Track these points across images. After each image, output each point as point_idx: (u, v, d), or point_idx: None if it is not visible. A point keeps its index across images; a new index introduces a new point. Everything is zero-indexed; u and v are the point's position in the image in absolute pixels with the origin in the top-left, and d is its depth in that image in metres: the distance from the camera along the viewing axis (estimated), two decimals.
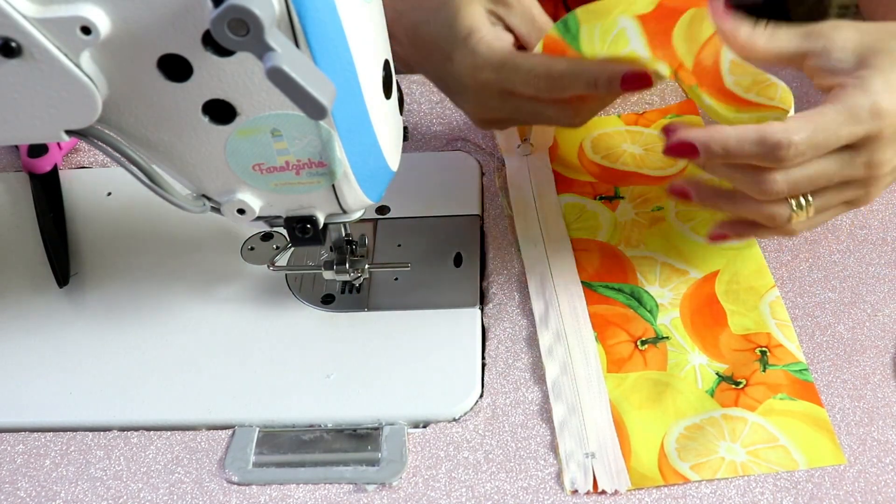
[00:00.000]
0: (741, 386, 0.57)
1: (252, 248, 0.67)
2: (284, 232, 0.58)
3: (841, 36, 0.55)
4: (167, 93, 0.48)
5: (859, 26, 0.55)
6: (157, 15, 0.44)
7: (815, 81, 0.56)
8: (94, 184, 0.74)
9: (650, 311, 0.62)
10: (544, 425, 0.57)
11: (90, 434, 0.58)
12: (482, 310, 0.63)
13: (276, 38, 0.41)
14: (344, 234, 0.62)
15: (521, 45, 0.63)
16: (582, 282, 0.64)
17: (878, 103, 0.52)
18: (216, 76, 0.47)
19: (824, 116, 0.52)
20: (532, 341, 0.61)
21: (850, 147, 0.53)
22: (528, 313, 0.62)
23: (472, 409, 0.58)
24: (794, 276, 0.64)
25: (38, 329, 0.63)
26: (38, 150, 0.74)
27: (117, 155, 0.50)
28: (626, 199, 0.69)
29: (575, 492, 0.52)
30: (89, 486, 0.55)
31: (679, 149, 0.54)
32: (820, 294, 0.63)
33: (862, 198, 0.56)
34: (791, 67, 0.56)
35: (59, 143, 0.75)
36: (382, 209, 0.70)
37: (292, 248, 0.67)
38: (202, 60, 0.46)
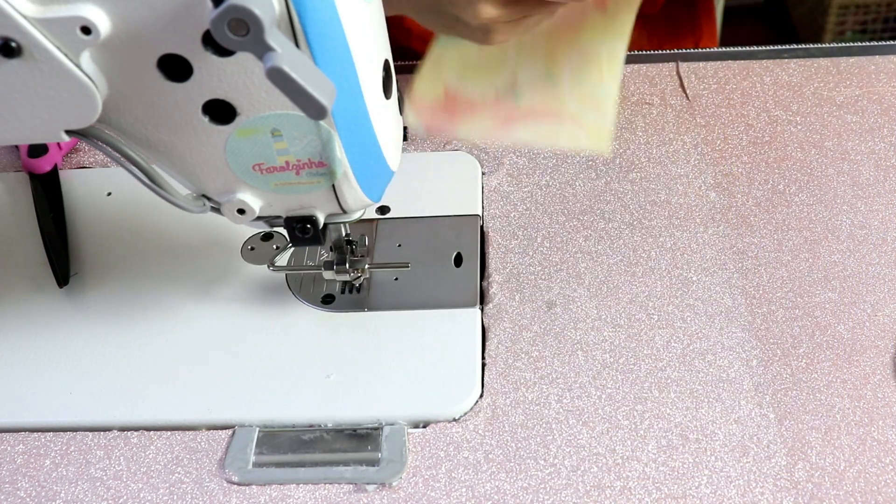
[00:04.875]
0: None
1: (252, 248, 0.67)
2: (284, 232, 0.58)
3: None
4: (167, 93, 0.48)
5: None
6: (157, 15, 0.44)
7: None
8: (94, 184, 0.74)
9: None
10: (544, 425, 0.57)
11: (90, 434, 0.58)
12: (482, 310, 0.63)
13: (276, 38, 0.41)
14: (344, 234, 0.62)
15: None
16: None
17: None
18: (216, 76, 0.47)
19: None
20: (532, 341, 0.61)
21: None
22: (528, 313, 0.62)
23: (472, 409, 0.58)
24: (793, 275, 0.64)
25: (38, 329, 0.63)
26: (38, 150, 0.74)
27: (117, 155, 0.50)
28: None
29: None
30: (89, 486, 0.55)
31: None
32: (820, 294, 0.63)
33: None
34: None
35: (59, 143, 0.75)
36: (382, 209, 0.70)
37: (292, 248, 0.67)
38: (202, 60, 0.46)
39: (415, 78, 0.65)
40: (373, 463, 0.55)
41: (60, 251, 0.68)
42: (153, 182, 0.51)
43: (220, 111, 0.49)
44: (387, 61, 0.53)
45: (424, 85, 0.66)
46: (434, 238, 0.68)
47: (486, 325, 0.62)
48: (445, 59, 0.66)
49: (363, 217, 0.58)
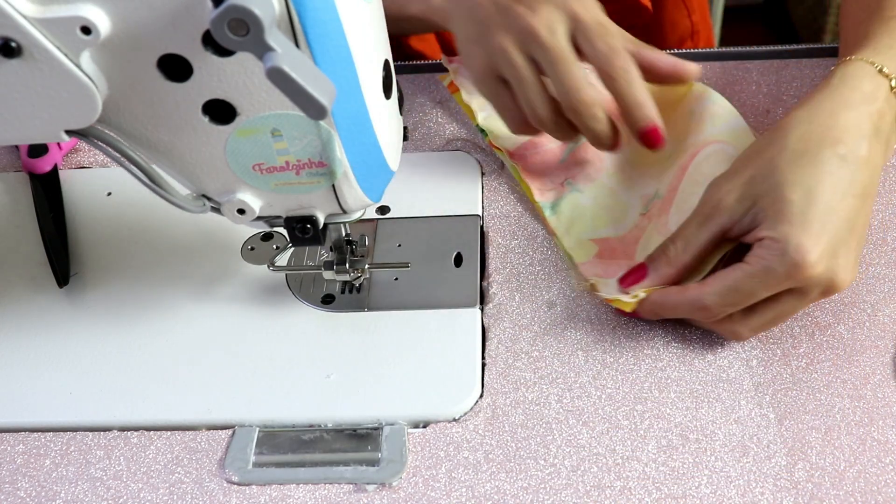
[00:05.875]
0: None
1: (252, 248, 0.67)
2: (284, 232, 0.58)
3: (731, 197, 0.57)
4: (167, 93, 0.48)
5: (739, 170, 0.58)
6: (157, 15, 0.44)
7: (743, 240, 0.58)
8: (94, 184, 0.74)
9: None
10: (544, 425, 0.57)
11: (90, 434, 0.58)
12: (482, 310, 0.63)
13: (276, 38, 0.41)
14: (344, 234, 0.62)
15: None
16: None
17: (796, 263, 0.54)
18: (216, 76, 0.47)
19: (737, 277, 0.56)
20: (532, 341, 0.61)
21: (796, 290, 0.56)
22: (528, 313, 0.62)
23: (472, 409, 0.58)
24: None
25: (38, 329, 0.63)
26: (38, 150, 0.74)
27: (117, 155, 0.50)
28: None
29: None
30: (89, 486, 0.55)
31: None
32: None
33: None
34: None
35: (59, 143, 0.75)
36: (382, 209, 0.70)
37: (292, 248, 0.67)
38: (202, 60, 0.46)
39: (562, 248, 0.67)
40: (373, 463, 0.55)
41: (60, 251, 0.68)
42: (153, 182, 0.51)
43: (220, 111, 0.49)
44: (387, 61, 0.53)
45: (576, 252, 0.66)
46: (434, 238, 0.68)
47: (486, 325, 0.62)
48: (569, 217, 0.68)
49: (363, 217, 0.58)
